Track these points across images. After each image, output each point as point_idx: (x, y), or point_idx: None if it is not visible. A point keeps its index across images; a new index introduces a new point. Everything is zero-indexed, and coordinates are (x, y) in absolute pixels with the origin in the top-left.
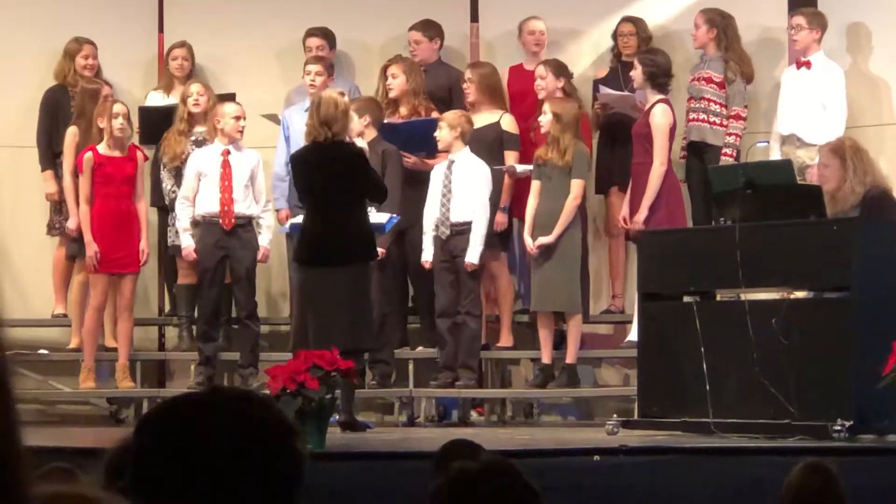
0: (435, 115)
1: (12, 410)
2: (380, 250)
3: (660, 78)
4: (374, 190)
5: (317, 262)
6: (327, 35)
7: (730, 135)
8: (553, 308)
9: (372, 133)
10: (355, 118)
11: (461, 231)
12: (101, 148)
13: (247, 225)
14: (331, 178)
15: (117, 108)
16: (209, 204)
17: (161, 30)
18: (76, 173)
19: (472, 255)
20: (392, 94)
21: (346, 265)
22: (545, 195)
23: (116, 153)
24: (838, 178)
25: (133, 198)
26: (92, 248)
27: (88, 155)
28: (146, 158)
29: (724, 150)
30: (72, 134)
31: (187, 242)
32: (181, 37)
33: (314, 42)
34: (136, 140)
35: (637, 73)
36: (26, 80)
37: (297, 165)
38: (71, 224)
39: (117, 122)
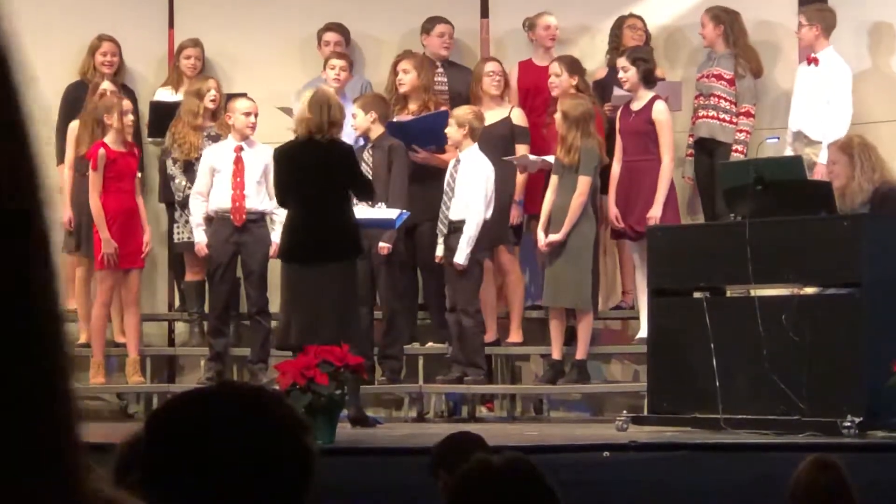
0: (444, 108)
1: (72, 403)
2: (387, 245)
3: (652, 75)
4: (362, 186)
5: (305, 259)
6: (343, 30)
7: (740, 131)
8: (564, 304)
9: (378, 129)
10: (361, 114)
11: (458, 228)
12: (111, 144)
13: (259, 220)
14: (320, 173)
15: (127, 104)
16: (221, 200)
17: (171, 25)
18: (75, 167)
19: (459, 256)
20: (403, 90)
21: (334, 261)
22: (560, 192)
23: (122, 149)
24: (847, 175)
25: (135, 193)
26: (111, 245)
27: (102, 151)
28: (140, 153)
29: (734, 147)
30: (73, 128)
31: (200, 238)
32: (192, 32)
33: (332, 37)
34: (144, 133)
35: (631, 73)
36: (41, 77)
37: (283, 160)
38: (63, 217)
39: (128, 119)
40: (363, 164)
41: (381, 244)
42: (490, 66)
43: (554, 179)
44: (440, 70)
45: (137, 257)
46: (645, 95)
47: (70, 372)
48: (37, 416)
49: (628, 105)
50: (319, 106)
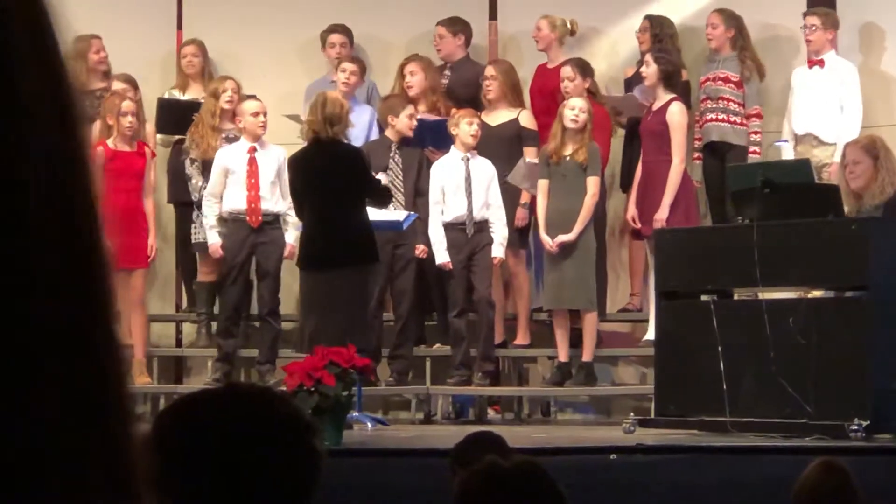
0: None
1: (129, 406)
2: (425, 248)
3: (674, 76)
4: (374, 191)
5: (318, 266)
6: (347, 32)
7: (754, 133)
8: (567, 306)
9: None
10: (406, 111)
11: (481, 228)
12: (111, 143)
13: (274, 222)
14: (329, 177)
15: (126, 105)
16: (236, 201)
17: (179, 26)
18: None
19: (500, 250)
20: (412, 92)
21: (346, 267)
22: (561, 193)
23: (126, 148)
24: (869, 176)
25: (141, 193)
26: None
27: (100, 150)
28: (154, 155)
29: (751, 149)
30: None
31: (214, 239)
32: (199, 33)
33: (337, 38)
34: (153, 131)
35: (651, 71)
36: None
37: (298, 165)
38: None
39: (126, 121)
40: (393, 163)
41: (420, 247)
42: (488, 71)
43: (544, 184)
44: (446, 73)
45: (139, 257)
46: (664, 95)
47: (126, 372)
48: (96, 421)
49: (651, 105)
50: (315, 106)
